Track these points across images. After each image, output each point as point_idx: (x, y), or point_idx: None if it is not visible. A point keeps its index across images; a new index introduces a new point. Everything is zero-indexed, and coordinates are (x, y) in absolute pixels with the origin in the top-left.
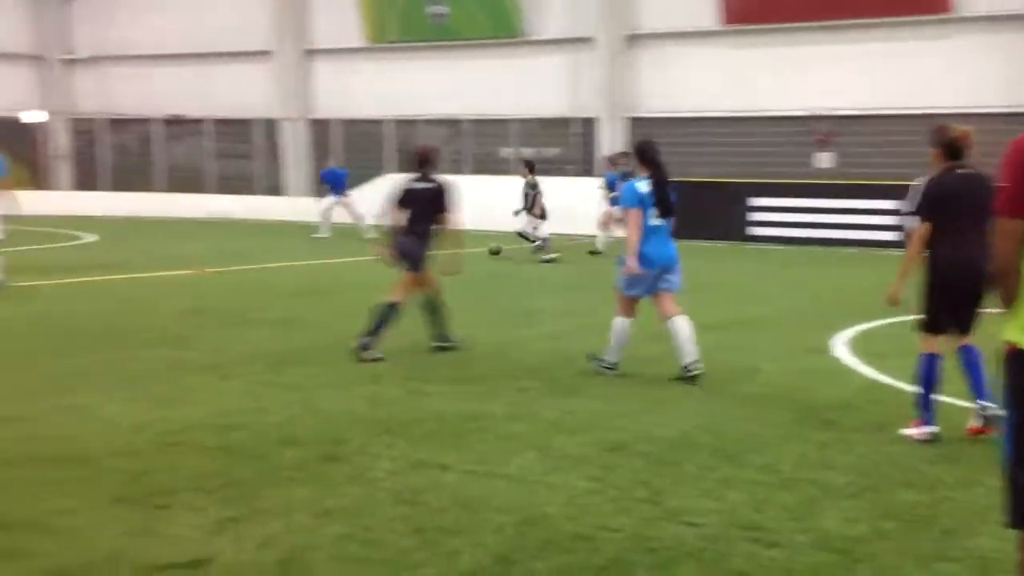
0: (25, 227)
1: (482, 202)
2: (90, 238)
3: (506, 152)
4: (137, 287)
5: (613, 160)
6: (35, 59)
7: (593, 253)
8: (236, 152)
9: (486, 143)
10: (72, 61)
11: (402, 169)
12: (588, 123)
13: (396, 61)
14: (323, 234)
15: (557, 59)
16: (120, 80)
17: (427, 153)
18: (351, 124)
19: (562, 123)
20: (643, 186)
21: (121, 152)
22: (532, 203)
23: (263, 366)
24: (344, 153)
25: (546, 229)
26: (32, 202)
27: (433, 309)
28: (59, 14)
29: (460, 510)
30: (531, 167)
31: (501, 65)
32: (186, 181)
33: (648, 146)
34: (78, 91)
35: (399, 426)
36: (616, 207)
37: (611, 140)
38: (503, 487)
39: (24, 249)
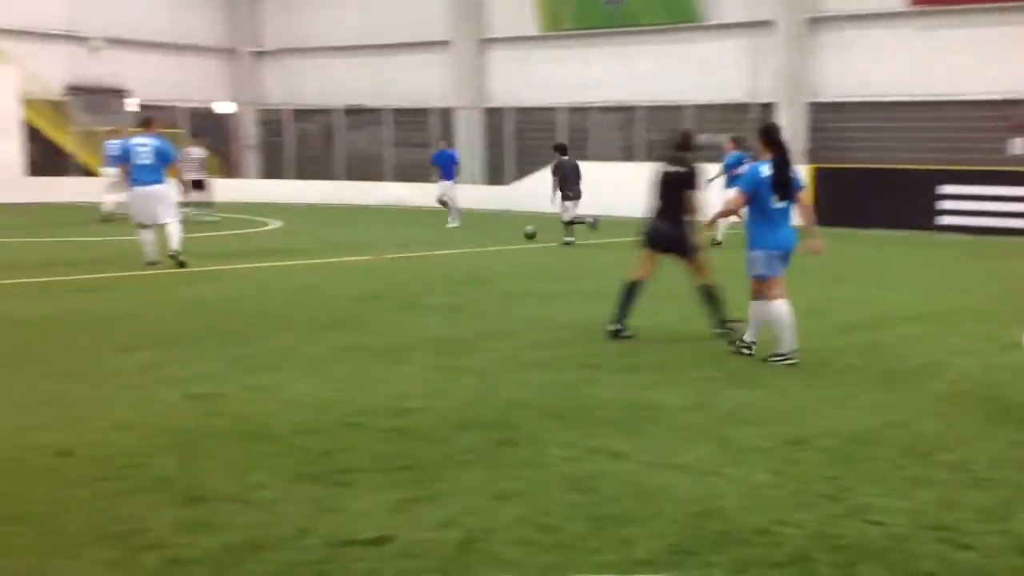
0: (218, 213)
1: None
2: (275, 224)
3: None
4: (317, 272)
5: (737, 142)
6: (227, 52)
7: (714, 244)
8: (413, 141)
9: (660, 130)
10: (261, 54)
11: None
12: (766, 108)
13: (570, 49)
14: (454, 223)
15: (735, 43)
16: (304, 72)
17: (687, 137)
18: (524, 112)
19: (740, 109)
20: (765, 169)
21: (304, 141)
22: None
23: (438, 351)
24: (516, 141)
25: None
26: (224, 189)
27: (709, 295)
28: (250, 9)
29: (635, 499)
30: (562, 150)
31: (677, 50)
32: (365, 169)
33: (772, 128)
34: (266, 83)
35: (572, 412)
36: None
37: (791, 125)
38: (678, 477)
39: (215, 234)
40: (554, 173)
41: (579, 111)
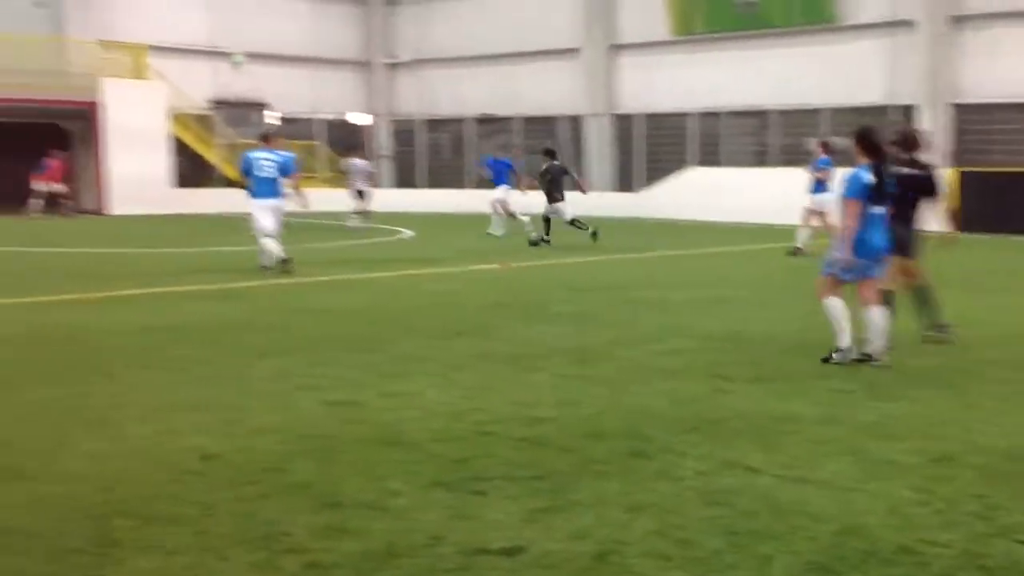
0: (372, 223)
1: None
2: (407, 233)
3: (814, 143)
4: (447, 280)
5: (825, 145)
6: (362, 64)
7: (793, 253)
8: (541, 149)
9: (794, 134)
10: (395, 65)
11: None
12: (907, 111)
13: (701, 53)
14: (529, 228)
15: (873, 44)
16: (437, 82)
17: (915, 137)
18: (654, 118)
19: (878, 111)
20: (867, 175)
21: (436, 151)
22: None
23: (567, 359)
24: (646, 147)
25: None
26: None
27: (923, 298)
28: (384, 22)
29: (772, 514)
30: (551, 154)
31: (811, 52)
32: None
33: (871, 131)
34: (399, 94)
35: (704, 424)
36: (817, 195)
37: (933, 128)
38: (816, 493)
39: (351, 243)
40: (543, 176)
41: (710, 116)
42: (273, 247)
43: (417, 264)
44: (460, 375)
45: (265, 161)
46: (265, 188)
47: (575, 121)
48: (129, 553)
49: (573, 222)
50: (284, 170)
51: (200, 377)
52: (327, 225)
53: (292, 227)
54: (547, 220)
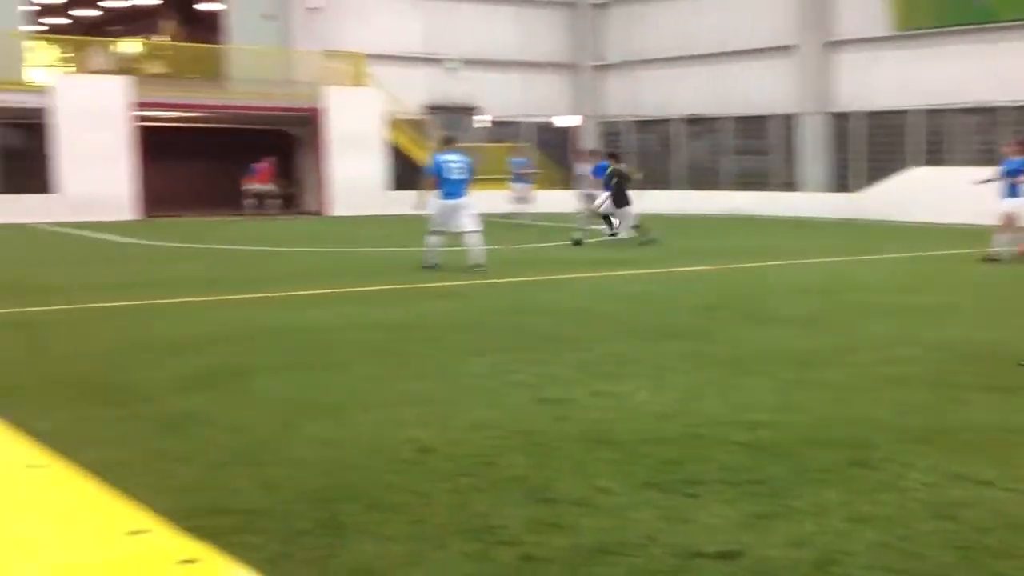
0: (563, 223)
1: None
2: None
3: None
4: (656, 281)
5: (1023, 144)
6: (570, 67)
7: (990, 260)
8: (752, 148)
9: None
10: (603, 67)
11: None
12: None
13: (925, 48)
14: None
15: None
16: (644, 83)
17: None
18: (873, 116)
19: None
20: None
21: (644, 152)
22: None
23: (785, 363)
24: (865, 146)
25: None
26: (565, 201)
27: None
28: (592, 25)
29: (1007, 530)
30: (615, 157)
31: None
32: (703, 178)
33: None
34: (607, 95)
35: (932, 434)
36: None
37: None
38: None
39: (560, 244)
40: (609, 178)
41: (934, 113)
42: (435, 243)
43: (628, 264)
44: (673, 376)
45: (455, 164)
46: (454, 188)
47: (788, 120)
48: (354, 537)
49: (607, 219)
50: (470, 171)
51: (421, 373)
52: (539, 226)
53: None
54: (607, 217)
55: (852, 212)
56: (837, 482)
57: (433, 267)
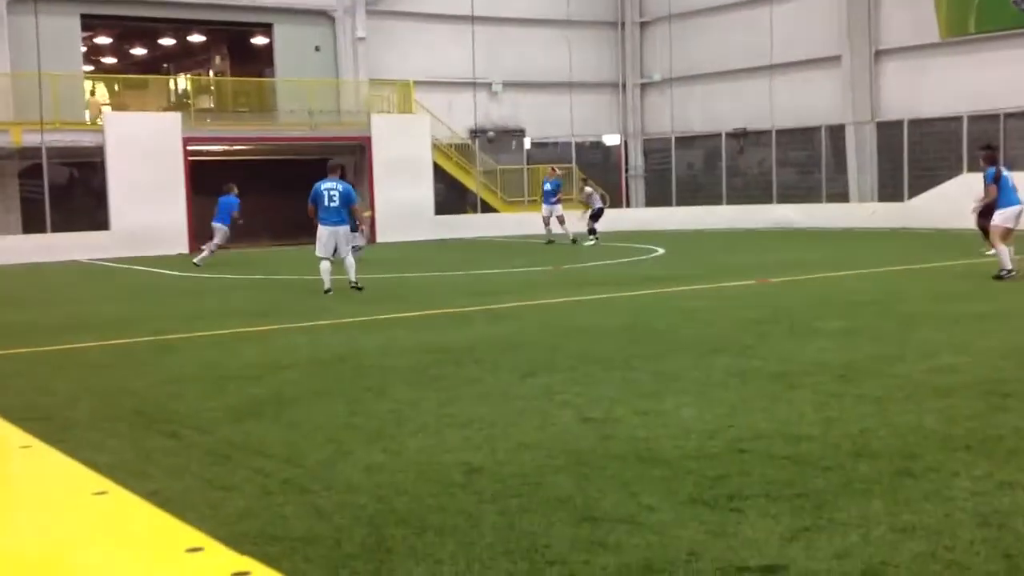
0: (606, 242)
1: None
2: (659, 251)
3: None
4: (702, 297)
5: None
6: (613, 87)
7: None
8: (800, 160)
9: None
10: (647, 85)
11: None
12: None
13: (974, 54)
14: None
15: None
16: (688, 99)
17: None
18: (921, 124)
19: None
20: None
21: (688, 168)
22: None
23: (831, 376)
24: (913, 154)
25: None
26: (613, 219)
27: None
28: (636, 43)
29: None
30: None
31: None
32: (750, 193)
33: None
34: (651, 112)
35: (979, 443)
36: None
37: None
38: None
39: (604, 263)
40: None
41: (985, 119)
42: (325, 268)
43: (672, 282)
44: (717, 392)
45: (331, 191)
46: (329, 216)
47: (834, 131)
48: (401, 561)
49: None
50: (346, 199)
51: (469, 395)
52: (585, 246)
53: (545, 248)
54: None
55: (902, 221)
56: (882, 493)
57: (327, 292)
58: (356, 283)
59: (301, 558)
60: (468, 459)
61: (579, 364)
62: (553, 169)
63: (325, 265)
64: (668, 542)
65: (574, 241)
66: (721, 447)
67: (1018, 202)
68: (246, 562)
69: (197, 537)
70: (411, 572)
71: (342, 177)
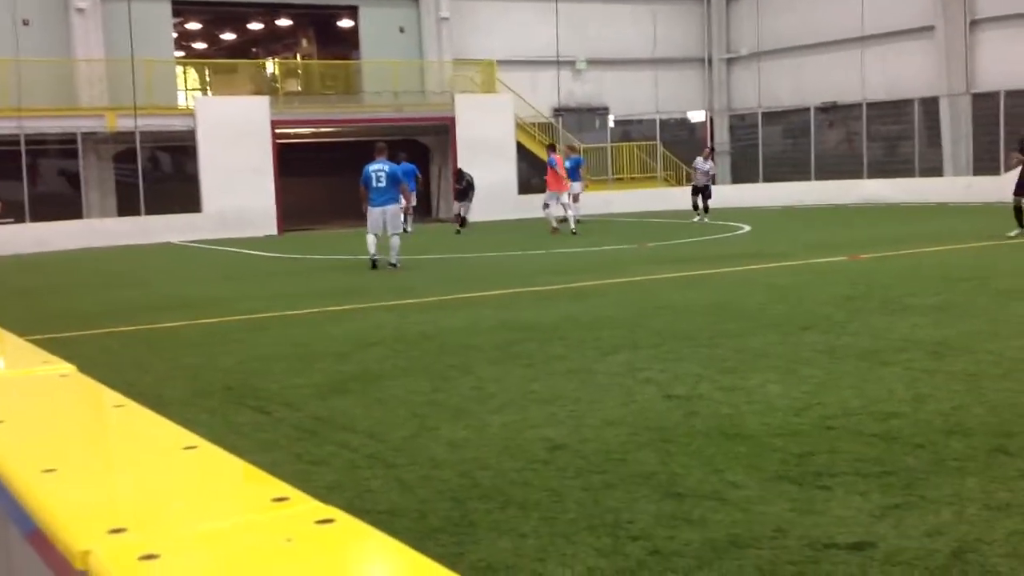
0: (691, 219)
1: None
2: (746, 228)
3: None
4: (790, 274)
5: None
6: (699, 62)
7: None
8: (891, 134)
9: None
10: (733, 59)
11: None
12: None
13: None
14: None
15: None
16: (776, 73)
17: None
18: (1017, 95)
19: None
20: None
21: (777, 143)
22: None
23: (923, 353)
24: (1009, 126)
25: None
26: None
27: None
28: (722, 17)
29: None
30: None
31: None
32: (840, 167)
33: None
34: (737, 88)
35: None
36: None
37: None
38: None
39: (691, 240)
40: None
41: None
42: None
43: (759, 259)
44: (805, 369)
45: (379, 172)
46: (377, 196)
47: (928, 103)
48: (485, 534)
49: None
50: (395, 179)
51: (553, 372)
52: (664, 223)
53: (635, 225)
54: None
55: (998, 195)
56: (975, 471)
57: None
58: (396, 263)
59: (387, 530)
60: (551, 435)
61: (664, 341)
62: (571, 147)
63: (371, 238)
64: (753, 518)
65: (566, 222)
66: (808, 424)
67: None
68: (330, 511)
69: (283, 488)
70: (494, 545)
71: (390, 158)
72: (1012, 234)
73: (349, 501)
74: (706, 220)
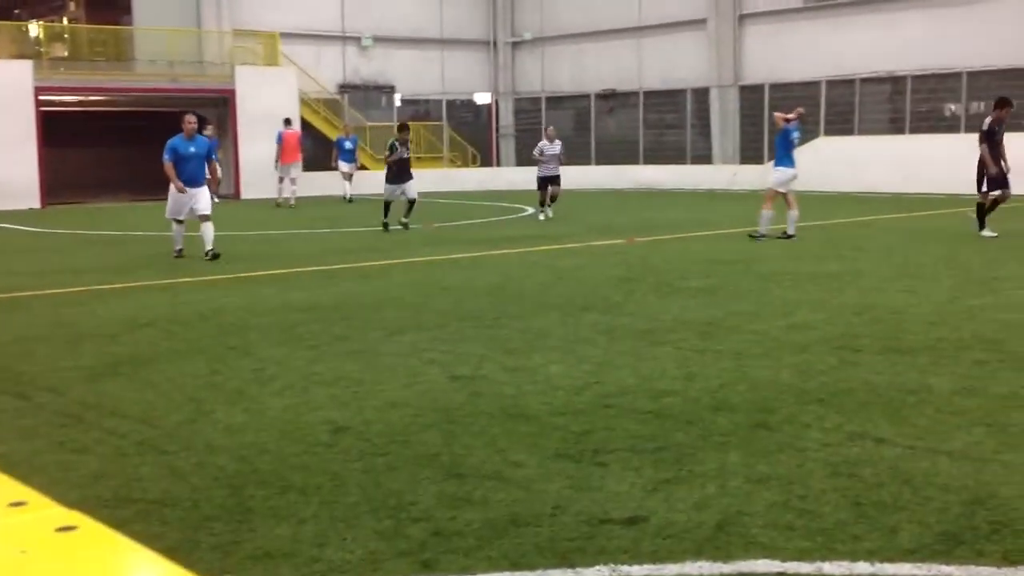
0: (477, 201)
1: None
2: (528, 211)
3: (953, 108)
4: (572, 256)
5: None
6: (485, 44)
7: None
8: (667, 123)
9: (929, 99)
10: (518, 44)
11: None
12: None
13: (832, 19)
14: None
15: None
16: (558, 59)
17: None
18: (782, 88)
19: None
20: None
21: (559, 128)
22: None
23: (693, 333)
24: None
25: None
26: (480, 177)
27: None
28: (506, 1)
29: (900, 485)
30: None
31: (951, 14)
32: (618, 153)
33: None
34: (522, 72)
35: (831, 396)
36: None
37: None
38: (947, 464)
39: (475, 222)
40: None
41: (842, 83)
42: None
43: (542, 241)
44: (585, 349)
45: (187, 147)
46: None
47: (700, 93)
48: (262, 521)
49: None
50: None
51: (336, 353)
52: (450, 204)
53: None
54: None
55: (763, 183)
56: (739, 445)
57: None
58: (215, 251)
59: (157, 520)
60: (334, 418)
61: (448, 322)
62: (346, 126)
63: (176, 228)
64: (534, 496)
65: (350, 201)
66: (587, 403)
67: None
68: (72, 516)
69: (20, 491)
70: (272, 532)
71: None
72: (988, 234)
73: (115, 491)
74: (551, 215)
